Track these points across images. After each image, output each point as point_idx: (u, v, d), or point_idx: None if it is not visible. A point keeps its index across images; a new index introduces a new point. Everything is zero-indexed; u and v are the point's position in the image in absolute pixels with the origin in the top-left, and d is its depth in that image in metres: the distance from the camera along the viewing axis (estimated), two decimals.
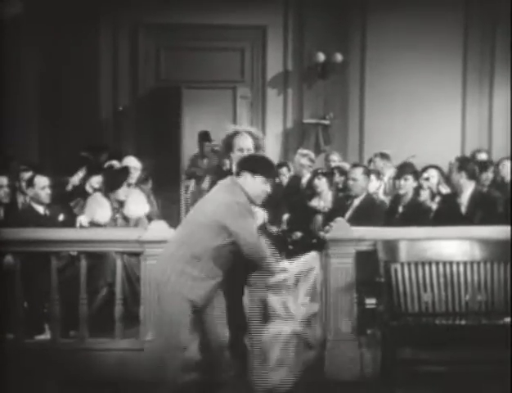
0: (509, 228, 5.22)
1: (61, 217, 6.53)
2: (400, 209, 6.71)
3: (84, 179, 7.68)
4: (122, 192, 6.87)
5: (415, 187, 6.72)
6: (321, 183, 7.48)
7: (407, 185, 6.73)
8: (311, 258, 5.38)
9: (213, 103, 10.59)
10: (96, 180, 7.30)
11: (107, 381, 5.15)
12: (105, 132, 10.64)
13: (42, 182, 6.39)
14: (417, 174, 6.97)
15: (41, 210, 6.41)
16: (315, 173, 7.79)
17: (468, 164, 6.61)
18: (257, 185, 4.42)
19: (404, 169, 7.20)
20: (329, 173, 7.79)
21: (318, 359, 5.27)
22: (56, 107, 10.72)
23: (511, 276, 4.73)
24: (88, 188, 7.29)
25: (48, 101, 10.73)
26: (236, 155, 5.06)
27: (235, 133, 5.16)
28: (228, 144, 5.17)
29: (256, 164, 4.52)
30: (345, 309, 5.33)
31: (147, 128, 10.79)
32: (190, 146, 10.58)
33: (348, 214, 6.73)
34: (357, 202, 6.84)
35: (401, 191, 6.78)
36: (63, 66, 10.57)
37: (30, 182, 6.44)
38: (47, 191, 6.40)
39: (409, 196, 6.71)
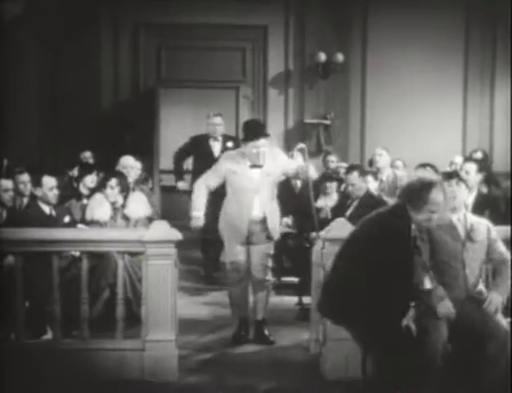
0: (509, 227, 5.23)
1: (67, 218, 6.54)
2: None
3: (77, 179, 7.63)
4: (110, 193, 6.82)
5: None
6: (332, 186, 7.84)
7: None
8: None
9: (214, 103, 10.57)
10: (91, 179, 7.27)
11: (108, 381, 5.16)
12: (105, 132, 10.62)
13: (50, 182, 6.41)
14: None
15: (47, 210, 6.44)
16: (325, 177, 8.09)
17: None
18: None
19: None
20: (339, 179, 7.99)
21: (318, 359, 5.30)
22: (57, 107, 10.73)
23: (511, 275, 4.72)
24: (82, 189, 7.26)
25: (49, 101, 10.74)
26: None
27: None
28: None
29: None
30: None
31: (148, 128, 10.77)
32: None
33: (349, 212, 6.85)
34: (357, 201, 7.01)
35: None
36: (63, 66, 10.58)
37: (38, 183, 6.46)
38: (55, 191, 6.42)
39: None
